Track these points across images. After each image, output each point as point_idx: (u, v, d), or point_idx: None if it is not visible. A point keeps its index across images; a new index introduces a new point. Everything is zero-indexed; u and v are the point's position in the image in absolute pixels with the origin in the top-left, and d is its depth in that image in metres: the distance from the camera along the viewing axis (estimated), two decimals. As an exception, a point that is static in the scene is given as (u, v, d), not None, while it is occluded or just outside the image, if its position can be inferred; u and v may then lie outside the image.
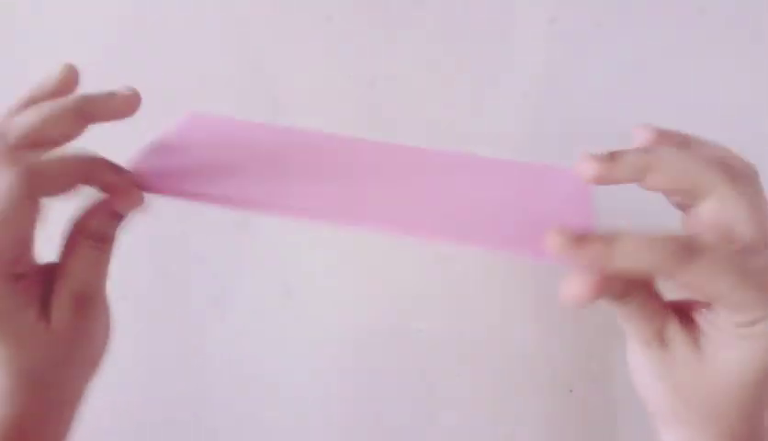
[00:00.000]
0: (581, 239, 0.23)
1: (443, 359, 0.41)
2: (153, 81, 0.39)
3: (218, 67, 0.40)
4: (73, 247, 0.27)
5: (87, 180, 0.26)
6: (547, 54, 0.40)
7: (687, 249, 0.23)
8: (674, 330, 0.25)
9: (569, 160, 0.40)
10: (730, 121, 0.41)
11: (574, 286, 0.23)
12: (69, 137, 0.26)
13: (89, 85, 0.27)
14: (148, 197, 0.27)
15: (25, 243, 0.25)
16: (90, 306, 0.28)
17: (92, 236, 0.27)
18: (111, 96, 0.27)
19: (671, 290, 0.24)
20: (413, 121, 0.40)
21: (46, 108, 0.25)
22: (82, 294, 0.27)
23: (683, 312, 0.25)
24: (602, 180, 0.26)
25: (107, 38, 0.40)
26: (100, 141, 0.26)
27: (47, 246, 0.27)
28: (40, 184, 0.24)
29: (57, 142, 0.26)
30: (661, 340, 0.25)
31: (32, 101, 0.26)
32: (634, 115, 0.40)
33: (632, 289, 0.25)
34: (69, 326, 0.27)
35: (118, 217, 0.28)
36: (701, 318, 0.25)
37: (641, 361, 0.26)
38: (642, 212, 0.33)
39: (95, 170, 0.26)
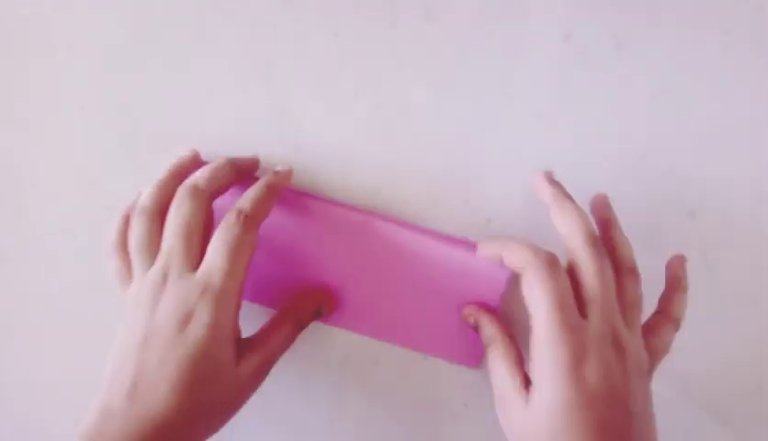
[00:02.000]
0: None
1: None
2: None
3: (243, 108, 0.40)
4: (279, 325, 0.35)
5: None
6: (561, 74, 0.39)
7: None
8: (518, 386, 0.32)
9: (583, 182, 0.39)
10: (755, 147, 0.39)
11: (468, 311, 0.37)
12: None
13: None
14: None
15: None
16: (266, 373, 0.35)
17: (299, 324, 0.36)
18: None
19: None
20: (423, 141, 0.40)
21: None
22: (269, 361, 0.34)
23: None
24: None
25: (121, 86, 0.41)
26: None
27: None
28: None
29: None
30: (525, 389, 0.32)
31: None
32: (654, 141, 0.39)
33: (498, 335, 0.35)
34: (247, 380, 0.33)
35: (319, 315, 0.37)
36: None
37: (514, 411, 0.32)
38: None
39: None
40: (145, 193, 0.35)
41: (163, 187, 0.35)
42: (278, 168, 0.37)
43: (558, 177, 0.39)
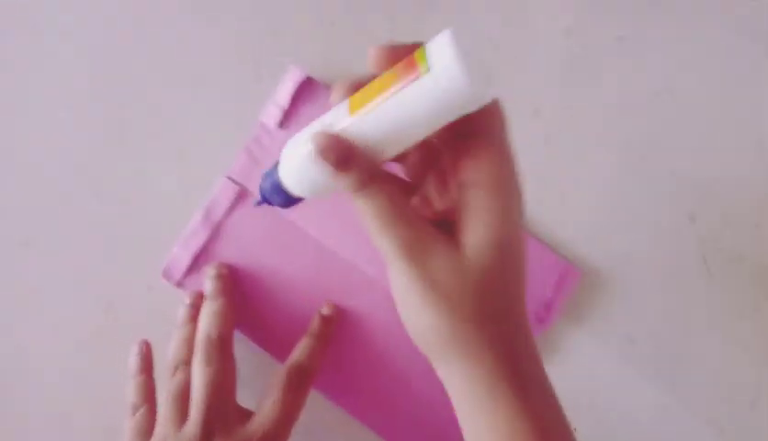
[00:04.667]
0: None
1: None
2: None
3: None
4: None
5: None
6: (561, 69, 0.38)
7: None
8: (433, 234, 0.24)
9: (582, 180, 0.38)
10: (757, 148, 0.38)
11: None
12: None
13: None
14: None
15: None
16: None
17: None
18: None
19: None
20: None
21: None
22: None
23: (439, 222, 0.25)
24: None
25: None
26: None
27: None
28: None
29: None
30: (424, 249, 0.24)
31: None
32: (654, 135, 0.39)
33: (377, 178, 0.24)
34: None
35: None
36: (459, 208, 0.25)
37: (406, 284, 0.24)
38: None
39: None
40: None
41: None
42: (324, 311, 0.38)
43: (557, 174, 0.38)
